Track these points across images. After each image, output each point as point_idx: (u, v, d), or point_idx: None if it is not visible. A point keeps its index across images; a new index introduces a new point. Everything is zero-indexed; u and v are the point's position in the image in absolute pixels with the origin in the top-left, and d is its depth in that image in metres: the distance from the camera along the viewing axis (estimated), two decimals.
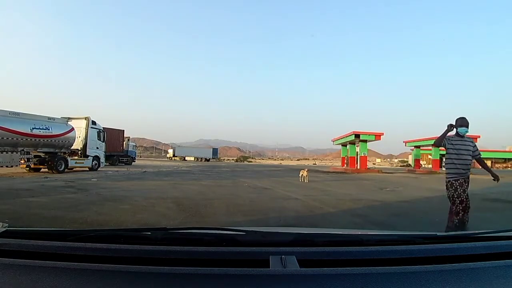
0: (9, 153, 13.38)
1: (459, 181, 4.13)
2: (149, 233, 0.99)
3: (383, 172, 25.29)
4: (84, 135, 17.51)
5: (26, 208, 5.71)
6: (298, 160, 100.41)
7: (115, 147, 24.87)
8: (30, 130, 13.89)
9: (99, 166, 18.53)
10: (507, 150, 53.55)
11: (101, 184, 10.55)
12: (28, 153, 14.34)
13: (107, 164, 22.24)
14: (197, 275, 0.78)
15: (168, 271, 0.80)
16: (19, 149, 13.80)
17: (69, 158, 16.39)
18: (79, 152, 17.35)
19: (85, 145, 17.51)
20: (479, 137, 25.67)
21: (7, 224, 1.07)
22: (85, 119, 17.84)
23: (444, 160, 4.46)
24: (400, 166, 53.07)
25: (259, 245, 0.95)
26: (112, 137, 23.01)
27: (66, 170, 15.93)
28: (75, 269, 0.80)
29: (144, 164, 30.80)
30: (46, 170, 15.33)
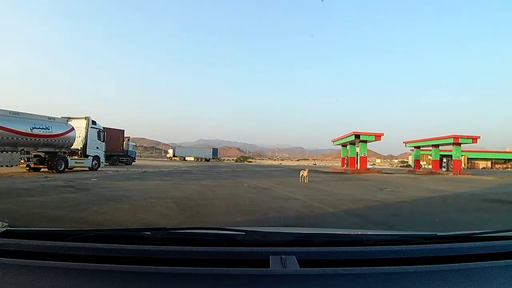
0: (9, 152, 13.39)
1: None
2: (149, 233, 0.99)
3: (383, 173, 25.30)
4: (84, 135, 17.52)
5: (26, 208, 5.70)
6: (298, 160, 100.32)
7: (115, 147, 24.87)
8: (30, 130, 13.90)
9: (99, 166, 18.53)
10: (507, 150, 53.59)
11: (101, 183, 10.55)
12: (28, 152, 14.35)
13: (107, 164, 22.25)
14: (197, 275, 0.78)
15: (168, 271, 0.80)
16: (19, 148, 13.80)
17: (69, 158, 16.41)
18: (79, 152, 17.36)
19: (85, 145, 17.52)
20: (479, 137, 25.64)
21: (7, 224, 1.07)
22: (85, 119, 17.86)
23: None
24: (400, 166, 53.05)
25: (259, 245, 0.95)
26: (112, 137, 23.02)
27: (66, 169, 15.96)
28: (75, 269, 0.80)
29: (144, 164, 30.81)
30: (46, 169, 15.35)
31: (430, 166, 33.01)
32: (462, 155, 27.97)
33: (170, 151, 63.30)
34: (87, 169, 17.57)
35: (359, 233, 1.41)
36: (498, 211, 7.19)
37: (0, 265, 0.83)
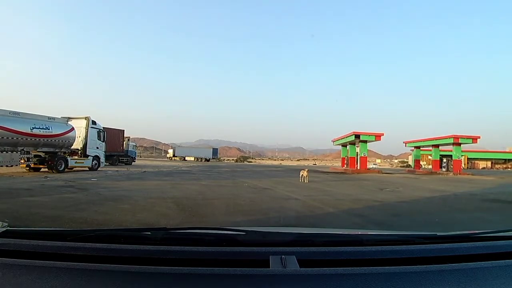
0: (9, 152, 13.39)
1: None
2: (149, 233, 0.99)
3: (383, 173, 25.31)
4: (84, 135, 17.52)
5: (26, 208, 5.71)
6: (298, 160, 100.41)
7: (115, 147, 24.87)
8: (30, 130, 13.90)
9: (99, 166, 18.54)
10: (507, 151, 53.60)
11: (101, 183, 10.55)
12: (28, 152, 14.35)
13: (107, 164, 22.24)
14: (197, 275, 0.78)
15: (168, 271, 0.80)
16: (19, 148, 13.80)
17: (69, 158, 16.42)
18: (79, 152, 17.36)
19: (85, 145, 17.53)
20: (479, 137, 25.65)
21: (7, 224, 1.07)
22: (85, 119, 17.86)
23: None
24: (400, 166, 53.09)
25: (259, 245, 0.95)
26: (112, 137, 23.01)
27: (66, 169, 15.96)
28: (75, 269, 0.80)
29: (144, 164, 30.81)
30: (46, 169, 15.36)
31: (430, 166, 33.02)
32: (462, 155, 27.98)
33: (170, 151, 63.30)
34: (87, 169, 17.56)
35: (359, 233, 1.41)
36: (498, 211, 7.19)
37: (0, 265, 0.83)
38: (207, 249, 0.90)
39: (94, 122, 18.35)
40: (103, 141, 19.05)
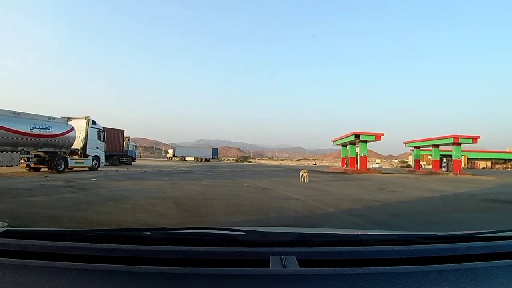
0: (9, 152, 13.39)
1: None
2: (149, 233, 0.99)
3: (383, 173, 25.32)
4: (84, 135, 17.53)
5: (26, 208, 5.70)
6: (298, 160, 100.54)
7: (115, 147, 24.87)
8: (30, 130, 13.90)
9: (99, 166, 18.54)
10: (507, 150, 53.64)
11: (101, 183, 10.55)
12: (28, 152, 14.35)
13: (107, 164, 22.25)
14: (197, 275, 0.78)
15: (168, 271, 0.80)
16: (19, 148, 13.81)
17: (69, 158, 16.42)
18: (79, 151, 17.37)
19: (85, 145, 17.53)
20: (479, 137, 25.66)
21: (7, 224, 1.07)
22: (85, 119, 17.87)
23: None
24: (400, 166, 53.17)
25: (259, 245, 0.95)
26: (112, 137, 23.02)
27: (66, 169, 15.96)
28: (75, 269, 0.80)
29: (144, 164, 30.83)
30: (46, 169, 15.36)
31: (430, 166, 33.04)
32: (462, 155, 27.99)
33: (170, 151, 63.33)
34: (87, 169, 17.57)
35: (359, 233, 1.41)
36: (498, 211, 7.19)
37: (0, 265, 0.83)
38: (207, 249, 0.90)
39: (94, 122, 18.35)
40: (103, 141, 19.05)
